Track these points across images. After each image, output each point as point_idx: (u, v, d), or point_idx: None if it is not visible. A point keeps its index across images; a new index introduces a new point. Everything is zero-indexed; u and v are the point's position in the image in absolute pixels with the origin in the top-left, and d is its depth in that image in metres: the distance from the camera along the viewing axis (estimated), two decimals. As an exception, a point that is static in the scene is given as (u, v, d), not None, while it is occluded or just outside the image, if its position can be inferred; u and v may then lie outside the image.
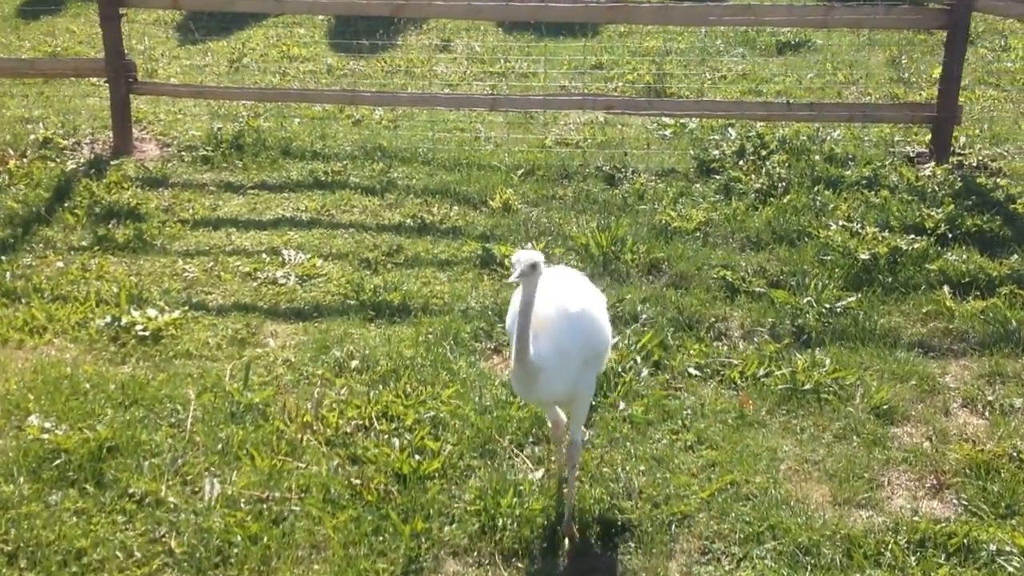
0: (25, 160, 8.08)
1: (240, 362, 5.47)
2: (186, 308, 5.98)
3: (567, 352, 4.02)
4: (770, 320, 5.95)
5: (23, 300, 6.05)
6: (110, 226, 7.03)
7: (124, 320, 5.75)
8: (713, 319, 5.97)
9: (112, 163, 8.15)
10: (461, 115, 9.34)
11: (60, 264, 6.53)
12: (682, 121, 9.05)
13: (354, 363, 5.47)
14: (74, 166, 8.04)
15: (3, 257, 6.55)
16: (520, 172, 8.08)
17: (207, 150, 8.40)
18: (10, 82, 9.72)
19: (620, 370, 5.34)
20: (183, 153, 8.44)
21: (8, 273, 6.35)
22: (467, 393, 5.19)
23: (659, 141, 8.82)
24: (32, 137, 8.58)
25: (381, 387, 5.24)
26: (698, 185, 7.85)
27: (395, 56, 11.17)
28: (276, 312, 6.06)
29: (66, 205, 7.35)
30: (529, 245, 6.67)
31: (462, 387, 5.23)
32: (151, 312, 5.84)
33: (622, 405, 5.12)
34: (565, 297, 4.12)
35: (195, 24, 11.91)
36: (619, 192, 7.73)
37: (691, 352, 5.62)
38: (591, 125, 9.15)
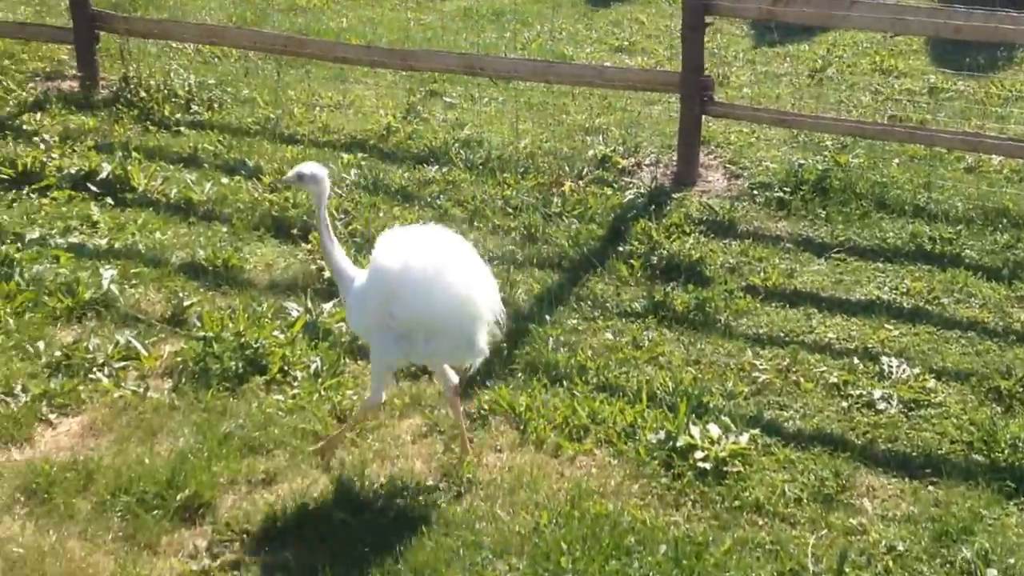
0: (580, 183, 7.20)
1: (831, 546, 4.03)
2: (756, 430, 4.66)
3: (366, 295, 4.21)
4: None
5: (564, 382, 5.05)
6: (668, 288, 5.88)
7: (680, 440, 4.54)
8: None
9: (673, 196, 7.04)
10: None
11: (608, 335, 5.48)
12: None
13: (991, 573, 3.84)
14: (632, 196, 7.01)
15: (548, 316, 5.63)
16: None
17: (784, 191, 7.01)
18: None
19: None
20: (754, 191, 7.13)
21: (551, 339, 5.40)
22: None
23: None
24: (590, 153, 7.71)
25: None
26: None
27: (1017, 77, 9.06)
28: (873, 456, 4.55)
29: (620, 250, 6.32)
30: None
31: None
32: (713, 430, 4.59)
33: None
34: (399, 251, 4.07)
35: (774, 23, 10.54)
36: None
37: None
38: None
